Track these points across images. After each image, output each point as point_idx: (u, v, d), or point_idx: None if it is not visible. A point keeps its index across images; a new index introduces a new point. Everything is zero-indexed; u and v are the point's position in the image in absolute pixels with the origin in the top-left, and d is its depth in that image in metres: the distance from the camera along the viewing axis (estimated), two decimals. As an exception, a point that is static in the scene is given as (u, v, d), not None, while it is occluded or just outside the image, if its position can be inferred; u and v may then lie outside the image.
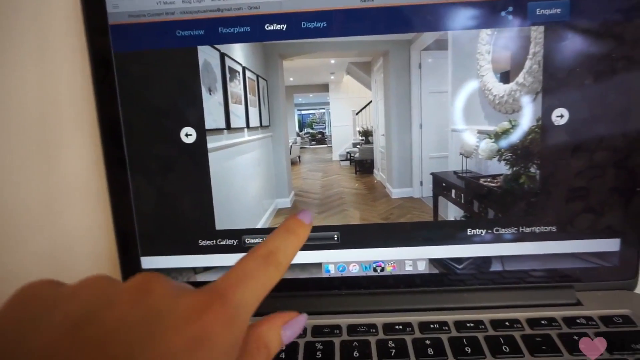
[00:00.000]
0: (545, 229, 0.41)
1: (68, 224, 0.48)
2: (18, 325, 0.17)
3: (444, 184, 0.42)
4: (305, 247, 0.41)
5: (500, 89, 0.39)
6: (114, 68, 0.40)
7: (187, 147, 0.41)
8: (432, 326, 0.38)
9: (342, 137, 0.44)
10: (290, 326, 0.23)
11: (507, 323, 0.38)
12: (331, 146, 0.45)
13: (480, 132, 0.40)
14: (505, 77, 0.39)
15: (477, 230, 0.41)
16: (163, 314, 0.17)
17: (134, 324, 0.16)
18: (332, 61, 0.41)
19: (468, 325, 0.38)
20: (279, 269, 0.22)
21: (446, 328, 0.38)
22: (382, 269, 0.43)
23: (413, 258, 0.42)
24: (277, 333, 0.22)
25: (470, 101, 0.40)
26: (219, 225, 0.42)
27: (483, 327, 0.38)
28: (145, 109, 0.41)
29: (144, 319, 0.16)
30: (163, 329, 0.16)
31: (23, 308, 0.17)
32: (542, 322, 0.38)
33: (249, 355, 0.21)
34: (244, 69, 0.41)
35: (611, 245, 0.41)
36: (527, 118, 0.39)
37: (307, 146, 0.46)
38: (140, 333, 0.16)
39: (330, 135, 0.45)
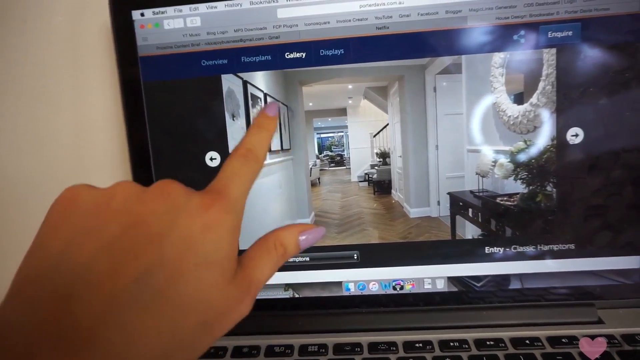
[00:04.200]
0: (564, 246, 0.41)
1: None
2: (71, 216, 0.21)
3: (461, 203, 0.42)
4: (326, 266, 0.43)
5: (514, 109, 0.40)
6: (143, 96, 0.42)
7: (212, 170, 0.43)
8: (452, 344, 0.39)
9: (360, 159, 0.46)
10: (307, 234, 0.26)
11: (527, 341, 0.38)
12: (350, 168, 0.46)
13: (495, 152, 0.41)
14: (519, 98, 0.40)
15: (495, 248, 0.42)
16: (182, 208, 0.21)
17: (162, 214, 0.21)
18: (350, 86, 0.43)
19: (488, 343, 0.38)
20: (258, 162, 0.26)
21: (466, 346, 0.38)
22: (402, 287, 0.43)
23: (432, 276, 0.43)
24: (295, 238, 0.26)
25: (485, 122, 0.41)
26: (242, 245, 0.43)
27: (503, 345, 0.38)
28: (172, 135, 0.43)
29: (168, 211, 0.21)
30: (183, 218, 0.21)
31: (72, 204, 0.21)
32: (563, 340, 0.38)
33: (267, 250, 0.25)
34: (265, 95, 0.43)
35: (632, 262, 0.41)
36: (542, 138, 0.40)
37: (327, 168, 0.48)
38: (167, 220, 0.21)
39: (349, 157, 0.46)
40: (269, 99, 0.43)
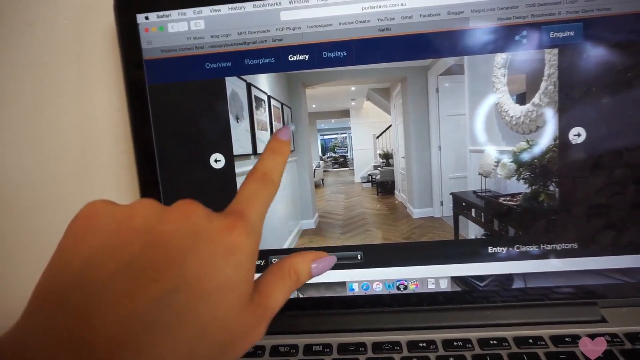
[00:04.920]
0: (567, 246, 0.41)
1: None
2: (91, 233, 0.21)
3: (464, 204, 0.43)
4: (330, 267, 0.43)
5: (516, 110, 0.40)
6: (148, 99, 0.43)
7: (217, 172, 0.43)
8: (455, 344, 0.39)
9: (364, 160, 0.46)
10: (319, 262, 0.27)
11: (530, 340, 0.38)
12: (353, 169, 0.46)
13: (498, 152, 0.41)
14: (522, 99, 0.40)
15: (498, 248, 0.42)
16: (203, 229, 0.21)
17: (184, 235, 0.21)
18: (353, 88, 0.43)
19: (491, 342, 0.39)
20: (274, 186, 0.26)
21: (469, 345, 0.39)
22: (405, 287, 0.43)
23: (435, 276, 0.43)
24: (307, 266, 0.27)
25: (488, 123, 0.41)
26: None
27: (506, 344, 0.38)
28: (177, 137, 0.43)
29: (190, 233, 0.21)
30: (204, 240, 0.21)
31: (92, 221, 0.21)
32: (566, 339, 0.38)
33: (281, 277, 0.25)
34: (269, 97, 0.43)
35: (635, 261, 0.41)
36: (544, 138, 0.40)
37: (330, 169, 0.48)
38: (189, 242, 0.21)
39: (352, 159, 0.46)
40: (272, 102, 0.43)
